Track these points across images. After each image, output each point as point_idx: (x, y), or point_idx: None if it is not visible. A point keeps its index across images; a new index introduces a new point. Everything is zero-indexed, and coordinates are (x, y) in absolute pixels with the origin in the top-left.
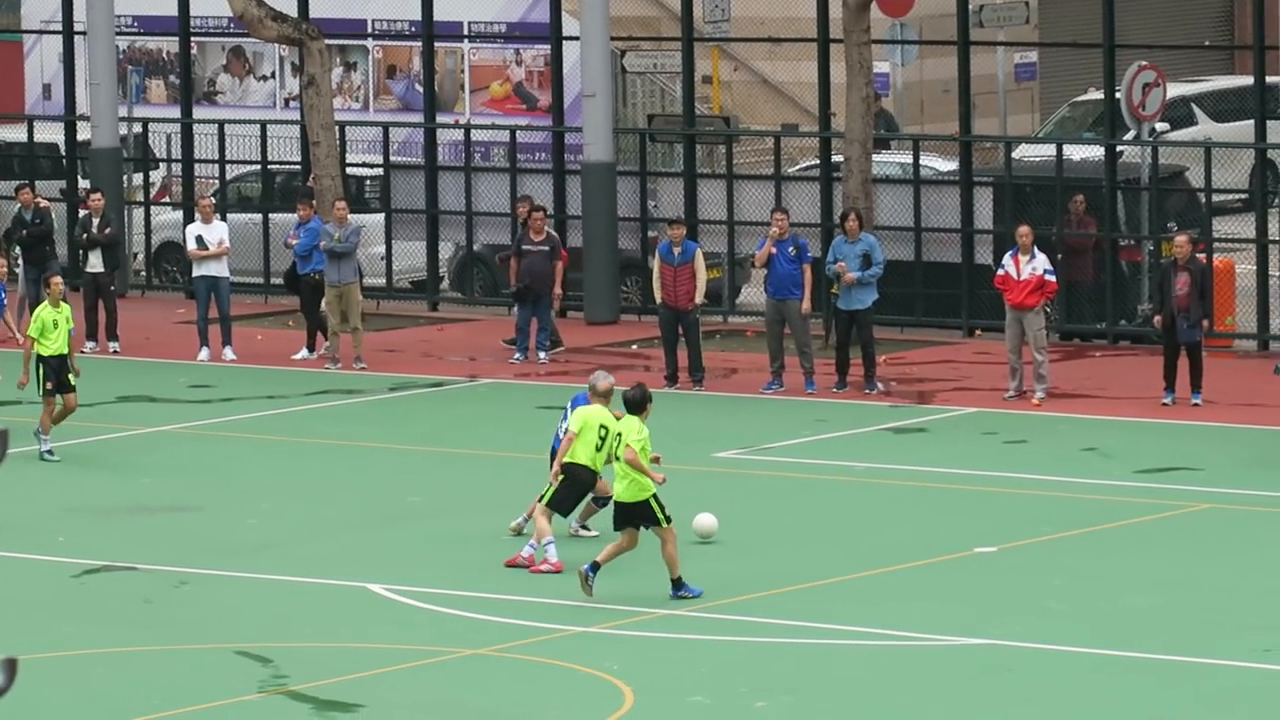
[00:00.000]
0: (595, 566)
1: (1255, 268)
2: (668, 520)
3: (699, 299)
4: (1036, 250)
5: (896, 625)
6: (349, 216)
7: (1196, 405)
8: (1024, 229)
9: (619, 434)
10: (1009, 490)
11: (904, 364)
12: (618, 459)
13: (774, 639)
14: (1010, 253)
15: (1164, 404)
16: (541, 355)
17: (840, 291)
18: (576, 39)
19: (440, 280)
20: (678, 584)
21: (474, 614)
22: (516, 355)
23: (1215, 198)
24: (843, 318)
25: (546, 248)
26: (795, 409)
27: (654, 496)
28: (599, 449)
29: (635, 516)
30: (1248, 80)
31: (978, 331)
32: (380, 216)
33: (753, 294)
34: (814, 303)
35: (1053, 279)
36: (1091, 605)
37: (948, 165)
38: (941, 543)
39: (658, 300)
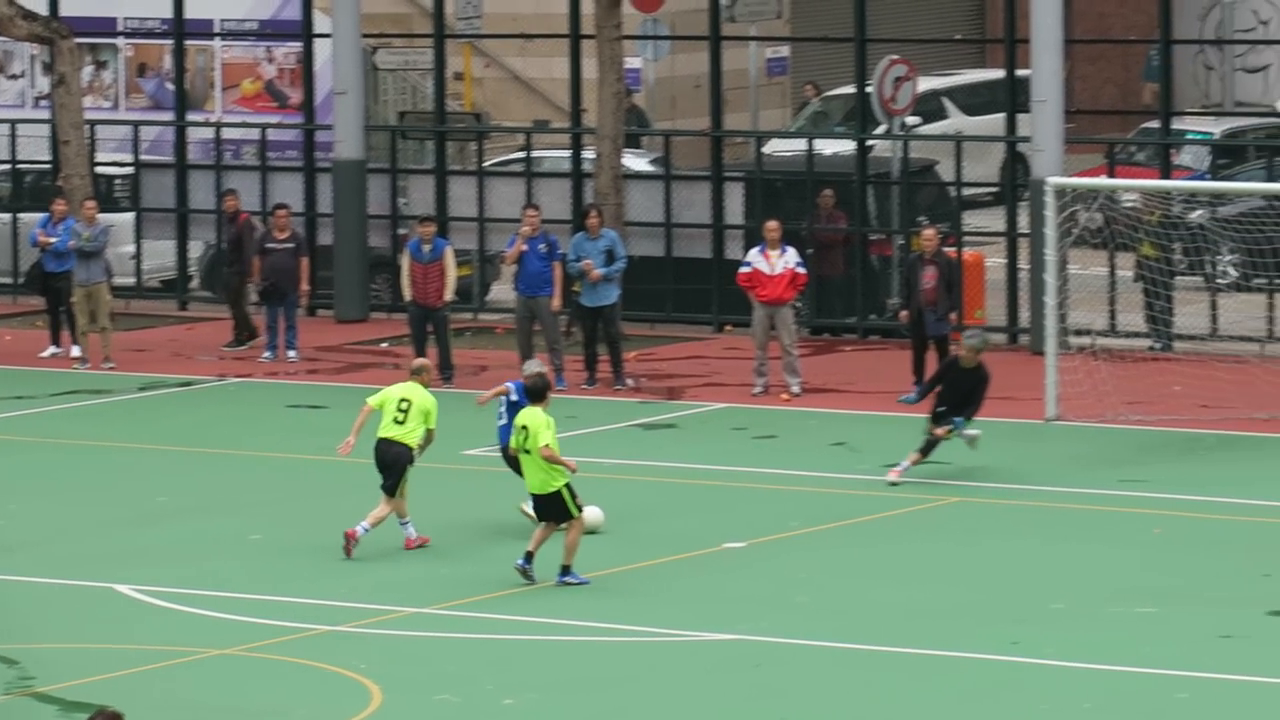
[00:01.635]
0: (563, 569)
1: (1005, 261)
2: (579, 510)
3: (449, 296)
4: (785, 244)
5: (646, 621)
6: (98, 216)
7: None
8: (772, 224)
9: (524, 426)
10: (758, 485)
11: (654, 360)
12: (526, 452)
13: (522, 636)
14: (758, 249)
15: (909, 399)
16: (291, 354)
17: (584, 288)
18: (328, 36)
19: (190, 279)
20: (566, 570)
21: (222, 614)
22: (266, 354)
23: (966, 191)
24: (588, 314)
25: (291, 245)
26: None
27: (566, 487)
28: (399, 422)
29: (549, 508)
30: (998, 74)
31: (728, 327)
32: (130, 215)
33: (503, 291)
34: (564, 300)
35: (803, 271)
36: (840, 600)
37: (640, 163)
38: (691, 538)
39: (407, 298)
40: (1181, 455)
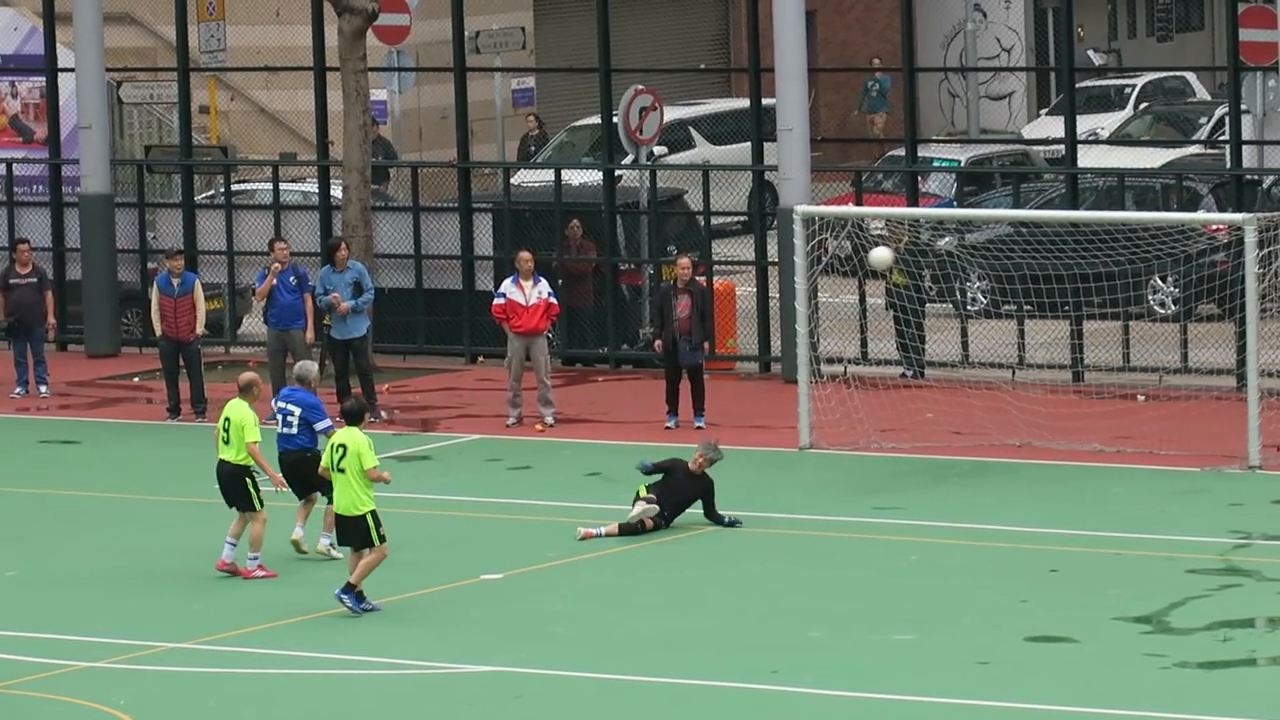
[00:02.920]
0: (349, 588)
1: (756, 289)
2: (381, 540)
3: (200, 330)
4: (538, 274)
5: (404, 653)
6: None
7: (700, 428)
8: (525, 254)
9: (342, 445)
10: (514, 516)
11: (407, 391)
12: (340, 471)
13: (283, 670)
14: (511, 279)
15: (667, 428)
16: (42, 389)
17: (334, 321)
18: (72, 70)
19: None
20: (350, 589)
21: None
22: (16, 390)
23: (714, 220)
24: (339, 347)
25: (34, 279)
26: None
27: (371, 513)
28: (226, 441)
29: (351, 532)
30: (744, 103)
31: (480, 358)
32: None
33: (254, 324)
34: (315, 333)
35: (556, 302)
36: (598, 630)
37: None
38: (449, 570)
39: (158, 332)
40: (935, 482)
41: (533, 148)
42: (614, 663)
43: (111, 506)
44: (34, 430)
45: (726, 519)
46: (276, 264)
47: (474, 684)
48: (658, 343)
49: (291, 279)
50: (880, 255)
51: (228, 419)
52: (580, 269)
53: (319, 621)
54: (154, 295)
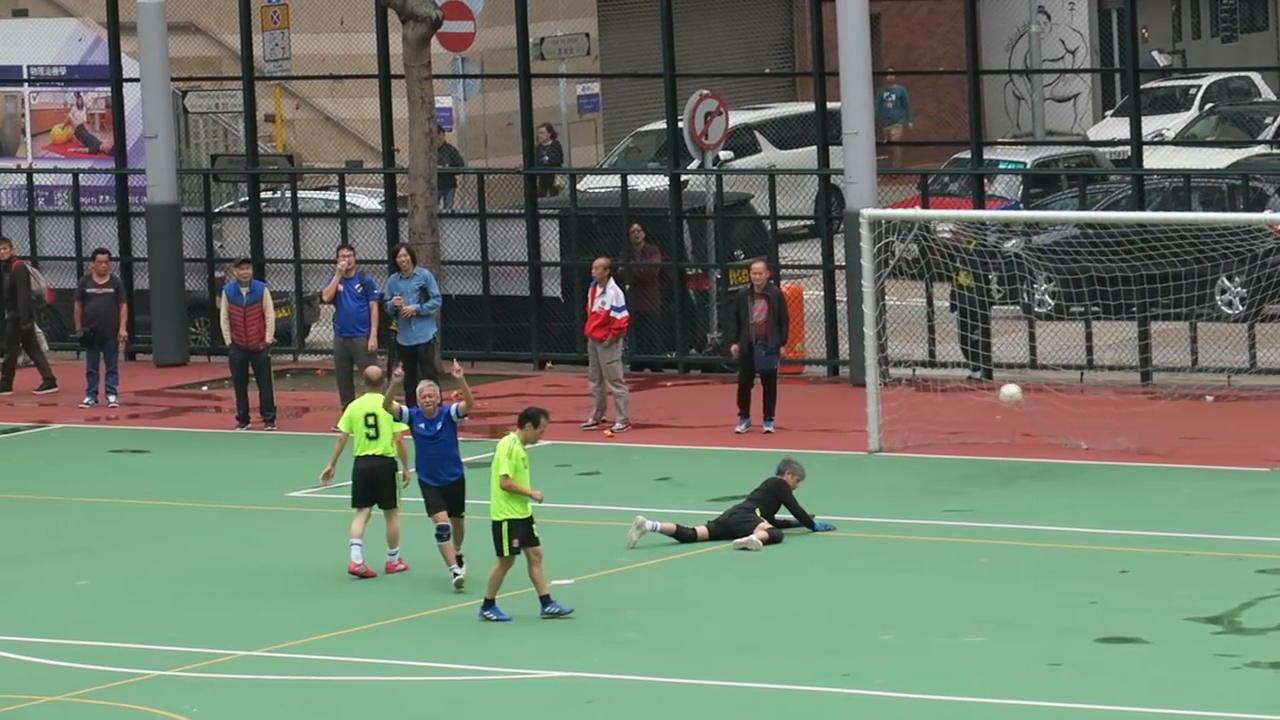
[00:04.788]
0: (545, 599)
1: (823, 293)
2: (512, 553)
3: (269, 338)
4: (611, 284)
5: (476, 659)
6: None
7: (769, 433)
8: (597, 261)
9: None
10: (584, 522)
11: (476, 397)
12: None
13: (352, 677)
14: (591, 284)
15: (738, 431)
16: (111, 399)
17: (400, 327)
18: (137, 81)
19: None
20: (547, 600)
21: (50, 660)
22: (85, 400)
23: (781, 224)
24: (406, 353)
25: (111, 290)
26: None
27: (507, 522)
28: (371, 437)
29: (493, 537)
30: (809, 107)
31: (549, 364)
32: None
33: (321, 332)
34: (381, 339)
35: (621, 316)
36: (669, 634)
37: (370, 201)
38: (518, 576)
39: (227, 341)
40: (1004, 484)
41: (546, 158)
42: (685, 667)
43: (181, 515)
44: (104, 440)
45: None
46: (342, 264)
47: (545, 690)
48: (733, 346)
49: (357, 286)
50: (1010, 393)
51: (372, 414)
52: (646, 274)
53: (389, 628)
54: (223, 304)
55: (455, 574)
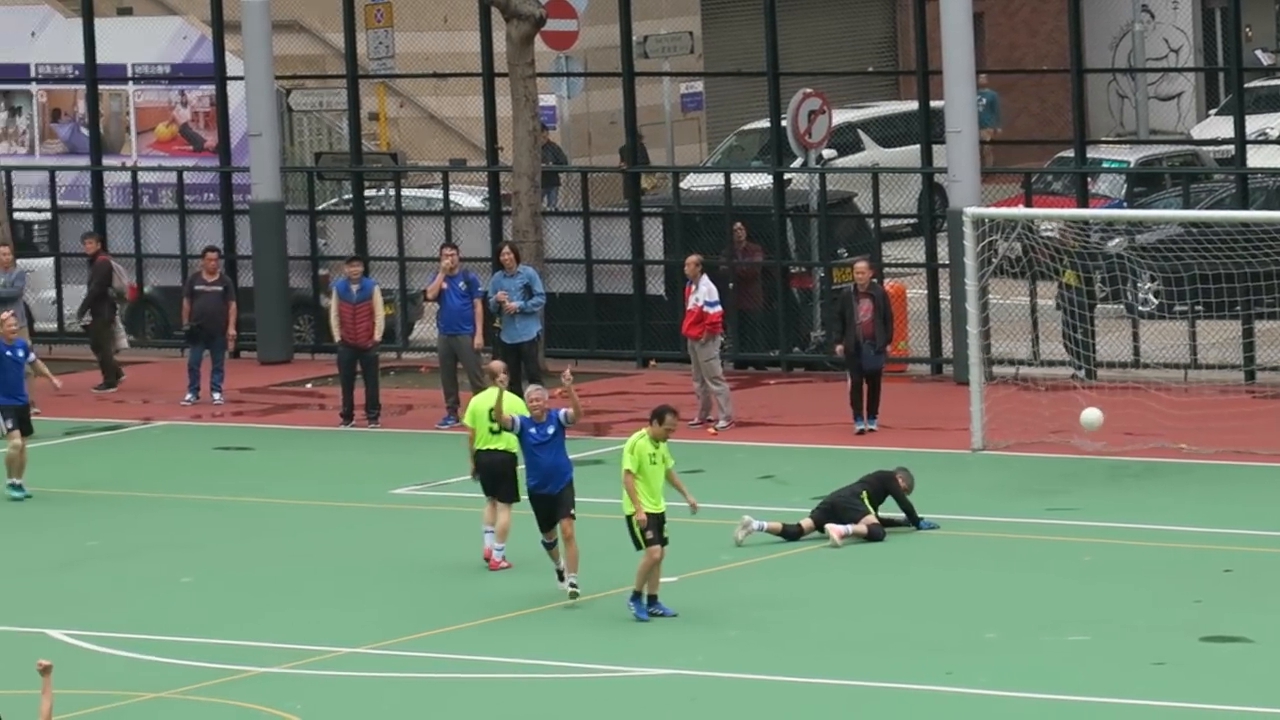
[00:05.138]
0: (651, 599)
1: (926, 292)
2: (648, 544)
3: (378, 336)
4: (705, 280)
5: (580, 656)
6: (15, 261)
7: (871, 430)
8: (690, 258)
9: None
10: (688, 520)
11: (579, 396)
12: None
13: (457, 674)
14: (687, 282)
15: (859, 431)
16: (216, 396)
17: (504, 325)
18: (241, 79)
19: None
20: (635, 597)
21: (156, 657)
22: (187, 397)
23: (884, 223)
24: (509, 351)
25: (220, 288)
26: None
27: (629, 518)
28: (494, 432)
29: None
30: (912, 105)
31: (652, 362)
32: (49, 261)
33: (425, 330)
34: (485, 337)
35: (714, 310)
36: (773, 632)
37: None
38: (622, 575)
39: (336, 338)
40: (1108, 483)
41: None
42: (789, 665)
43: (285, 512)
44: (209, 437)
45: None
46: (447, 262)
47: (649, 687)
48: (838, 347)
49: (461, 284)
50: (1091, 419)
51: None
52: (749, 273)
53: (493, 625)
54: (333, 301)
55: (570, 584)
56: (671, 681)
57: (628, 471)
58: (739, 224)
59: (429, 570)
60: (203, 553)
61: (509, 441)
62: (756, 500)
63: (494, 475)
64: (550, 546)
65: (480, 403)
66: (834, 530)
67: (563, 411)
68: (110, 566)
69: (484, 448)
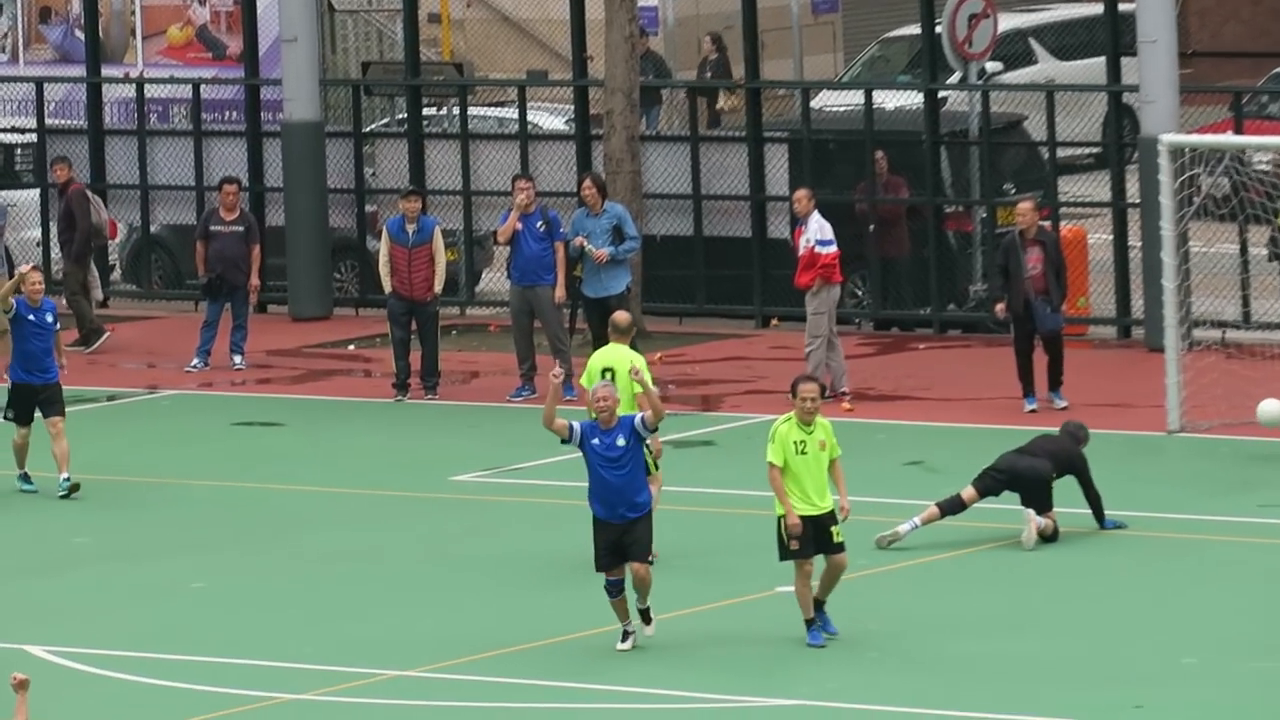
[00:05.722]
0: (818, 604)
1: (1112, 236)
2: (790, 555)
3: (438, 288)
4: (815, 216)
5: (684, 684)
6: None
7: (1063, 408)
8: (798, 193)
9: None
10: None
11: (683, 361)
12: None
13: (530, 704)
14: (796, 224)
15: (1030, 410)
16: (237, 360)
17: (586, 274)
18: None
19: (111, 269)
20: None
21: (161, 680)
22: (195, 362)
23: (1061, 152)
24: (594, 306)
25: (241, 229)
26: None
27: (779, 520)
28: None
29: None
30: (1096, 9)
31: (775, 321)
32: (35, 192)
33: (495, 280)
34: (568, 289)
35: (827, 251)
36: (919, 654)
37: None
38: (736, 581)
39: (387, 290)
40: None
41: (710, 73)
42: (941, 694)
43: (321, 504)
44: (227, 410)
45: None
46: (521, 198)
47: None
48: (999, 306)
49: (539, 225)
50: (1270, 413)
51: (609, 369)
52: (893, 212)
53: (578, 644)
54: (383, 245)
55: (625, 636)
56: (799, 713)
57: (771, 465)
58: (881, 153)
59: (498, 576)
60: (219, 554)
61: (627, 406)
62: (901, 491)
63: None
64: (616, 591)
65: (596, 362)
66: (1032, 521)
67: (638, 416)
68: (103, 569)
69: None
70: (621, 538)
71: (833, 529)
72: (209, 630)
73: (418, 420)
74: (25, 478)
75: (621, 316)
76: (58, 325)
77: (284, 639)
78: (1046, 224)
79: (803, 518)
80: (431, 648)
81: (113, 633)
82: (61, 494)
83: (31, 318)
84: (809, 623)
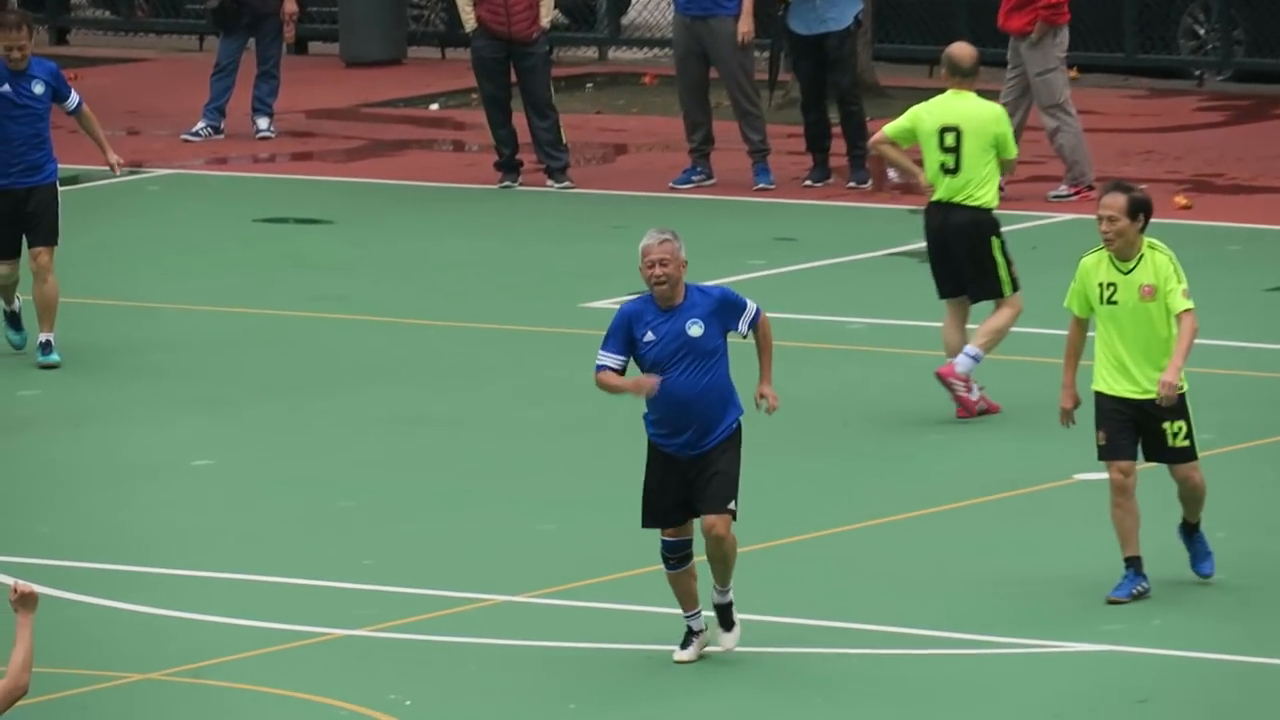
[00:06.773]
0: (1190, 529)
1: None
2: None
3: (545, 22)
4: None
5: (968, 627)
6: None
7: None
8: None
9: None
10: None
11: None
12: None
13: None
14: None
15: None
16: (263, 124)
17: (794, 3)
18: None
19: None
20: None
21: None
22: (200, 126)
23: None
24: (804, 49)
25: None
26: (735, 218)
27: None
28: (949, 169)
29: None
30: None
31: (1073, 71)
32: None
33: (649, 10)
34: (760, 21)
35: None
36: (1254, 598)
37: None
38: (1028, 467)
39: (469, 25)
40: None
41: None
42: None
43: (389, 339)
44: (246, 198)
45: None
46: None
47: (1080, 665)
48: None
49: None
50: None
51: (953, 128)
52: None
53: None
54: None
55: (687, 639)
56: (1107, 660)
57: (1075, 319)
58: None
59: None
60: (234, 419)
61: (974, 192)
62: (1268, 333)
63: (944, 243)
64: (680, 560)
65: (929, 116)
66: None
67: (745, 318)
68: (75, 440)
69: (935, 198)
70: (691, 484)
71: (1166, 425)
72: (228, 538)
73: (534, 217)
74: (14, 321)
75: (962, 51)
76: (79, 103)
77: (328, 547)
78: None
79: (1118, 400)
80: (542, 569)
81: (83, 537)
82: (40, 363)
83: (6, 88)
84: (1127, 563)
